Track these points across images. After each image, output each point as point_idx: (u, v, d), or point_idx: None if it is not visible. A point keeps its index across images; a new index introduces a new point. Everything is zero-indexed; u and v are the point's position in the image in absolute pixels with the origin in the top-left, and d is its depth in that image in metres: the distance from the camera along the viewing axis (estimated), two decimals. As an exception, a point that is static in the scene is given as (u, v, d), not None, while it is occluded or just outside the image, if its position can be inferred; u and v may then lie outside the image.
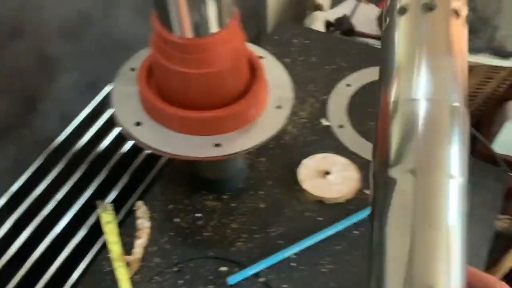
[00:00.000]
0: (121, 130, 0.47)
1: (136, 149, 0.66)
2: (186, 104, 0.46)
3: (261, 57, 0.54)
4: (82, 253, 0.58)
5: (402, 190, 0.25)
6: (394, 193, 0.25)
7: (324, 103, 0.70)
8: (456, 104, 0.26)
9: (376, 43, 1.15)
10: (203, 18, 0.41)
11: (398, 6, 0.28)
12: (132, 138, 0.46)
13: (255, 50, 0.54)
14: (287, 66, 0.75)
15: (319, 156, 0.63)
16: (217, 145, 0.46)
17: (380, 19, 1.11)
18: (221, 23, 0.42)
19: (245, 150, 0.46)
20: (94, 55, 0.67)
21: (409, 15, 0.28)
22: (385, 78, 0.29)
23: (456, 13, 0.27)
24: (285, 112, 0.49)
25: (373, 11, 1.22)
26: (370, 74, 0.73)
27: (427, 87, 0.26)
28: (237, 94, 0.47)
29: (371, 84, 0.72)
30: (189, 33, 0.42)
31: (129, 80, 0.49)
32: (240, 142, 0.46)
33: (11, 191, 0.60)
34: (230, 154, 0.45)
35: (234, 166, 0.59)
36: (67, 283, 0.55)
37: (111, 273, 0.54)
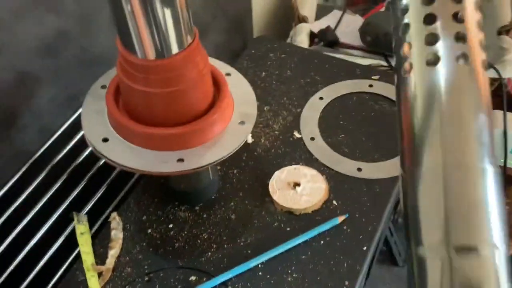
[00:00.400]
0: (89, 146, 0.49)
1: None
2: (151, 121, 0.48)
3: (228, 74, 0.56)
4: (58, 263, 0.60)
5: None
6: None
7: (297, 116, 0.72)
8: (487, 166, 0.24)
9: (359, 54, 1.17)
10: (164, 40, 0.43)
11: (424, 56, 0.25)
12: (98, 153, 0.48)
13: (222, 67, 0.56)
14: (262, 80, 0.78)
15: (290, 168, 0.65)
16: (180, 160, 0.48)
17: (363, 31, 1.13)
18: (181, 43, 0.44)
19: (207, 165, 0.48)
20: (73, 70, 0.70)
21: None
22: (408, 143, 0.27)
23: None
24: (248, 127, 0.51)
25: (358, 22, 1.24)
26: (342, 87, 0.75)
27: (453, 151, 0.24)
28: (201, 110, 0.49)
29: (342, 97, 0.74)
30: (150, 55, 0.44)
31: (99, 97, 0.52)
32: (202, 156, 0.48)
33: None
34: (192, 169, 0.47)
35: (205, 178, 0.61)
36: (43, 291, 0.57)
37: (85, 283, 0.56)
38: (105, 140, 0.49)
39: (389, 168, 0.66)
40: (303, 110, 0.73)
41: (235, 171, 0.66)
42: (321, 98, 0.74)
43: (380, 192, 0.63)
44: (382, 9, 1.30)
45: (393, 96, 0.74)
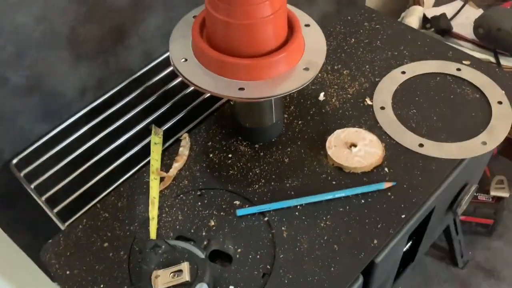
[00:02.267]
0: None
1: (198, 92, 0.76)
2: (225, 50, 0.54)
3: (307, 25, 0.60)
4: (133, 164, 0.70)
5: None
6: None
7: (374, 85, 0.74)
8: None
9: (469, 47, 1.11)
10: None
11: None
12: (176, 70, 0.55)
13: (303, 17, 0.60)
14: (350, 46, 0.80)
15: (351, 130, 0.68)
16: (241, 88, 0.53)
17: (477, 23, 1.08)
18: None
19: (261, 98, 0.53)
20: (182, 5, 0.78)
21: None
22: None
23: None
24: (311, 74, 0.55)
25: (477, 15, 1.17)
26: (428, 65, 0.75)
27: None
28: (271, 49, 0.54)
29: (425, 75, 0.74)
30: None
31: (189, 24, 0.59)
32: (261, 90, 0.53)
33: (92, 105, 0.74)
34: (248, 98, 0.53)
35: (268, 119, 0.66)
36: (116, 183, 0.67)
37: (148, 183, 0.65)
38: (185, 60, 0.56)
39: (453, 150, 0.65)
40: (381, 80, 0.74)
41: (299, 122, 0.70)
42: (403, 72, 0.75)
43: (436, 171, 0.63)
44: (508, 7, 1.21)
45: (479, 84, 0.72)
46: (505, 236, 1.07)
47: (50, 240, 0.61)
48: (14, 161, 0.68)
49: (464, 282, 1.03)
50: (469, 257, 1.05)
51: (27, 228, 0.78)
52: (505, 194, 1.05)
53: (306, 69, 0.56)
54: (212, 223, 0.61)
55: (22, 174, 0.68)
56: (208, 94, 0.77)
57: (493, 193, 1.06)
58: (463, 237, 1.00)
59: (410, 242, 0.78)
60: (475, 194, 1.07)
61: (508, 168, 1.17)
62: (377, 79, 0.74)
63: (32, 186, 0.67)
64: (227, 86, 0.53)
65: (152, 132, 0.69)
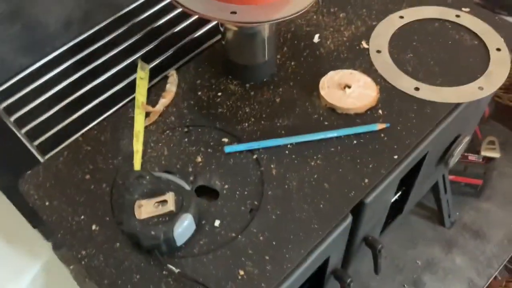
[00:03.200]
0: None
1: (189, 30, 0.73)
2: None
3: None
4: (118, 100, 0.67)
5: None
6: None
7: (370, 29, 0.71)
8: None
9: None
10: None
11: None
12: (165, -8, 0.52)
13: None
14: (345, -13, 0.76)
15: (346, 72, 0.65)
16: (233, 12, 0.50)
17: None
18: None
19: (253, 23, 0.50)
20: None
21: None
22: None
23: None
24: (306, 2, 0.52)
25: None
26: (427, 11, 0.72)
27: None
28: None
29: (424, 21, 0.71)
30: None
31: None
32: (253, 15, 0.51)
33: (77, 39, 0.71)
34: (240, 22, 0.50)
35: (260, 56, 0.63)
36: (99, 118, 0.65)
37: (132, 119, 0.62)
38: (175, -18, 0.53)
39: (449, 94, 0.63)
40: (378, 24, 0.71)
41: (292, 63, 0.68)
42: (401, 17, 0.72)
43: (430, 114, 0.61)
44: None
45: (478, 31, 0.70)
46: (493, 198, 1.07)
47: (29, 171, 0.58)
48: (-7, 92, 0.65)
49: (450, 241, 1.03)
50: (456, 217, 1.05)
51: (6, 168, 0.75)
52: (495, 154, 1.05)
53: (303, -3, 0.53)
54: (199, 159, 0.59)
55: (1, 107, 0.65)
56: (198, 34, 0.74)
57: (483, 153, 1.05)
58: (451, 196, 0.99)
59: (400, 192, 0.77)
60: (465, 154, 1.06)
61: (499, 132, 1.16)
62: (374, 23, 0.72)
63: (12, 120, 0.64)
64: (219, 9, 0.51)
65: (138, 66, 0.66)
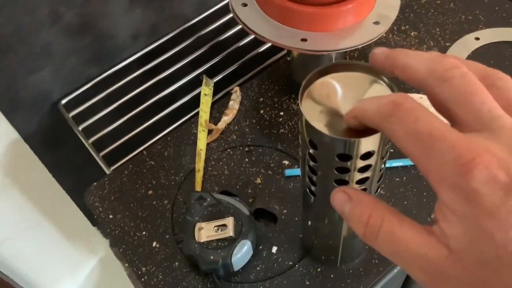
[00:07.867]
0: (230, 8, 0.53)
1: (253, 44, 0.72)
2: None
3: (379, -23, 0.55)
4: (181, 114, 0.68)
5: None
6: None
7: (443, 50, 0.68)
8: None
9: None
10: None
11: None
12: (235, 16, 0.52)
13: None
14: (420, 6, 0.74)
15: (416, 96, 0.63)
16: (304, 39, 0.49)
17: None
18: None
19: (325, 51, 0.49)
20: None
21: None
22: None
23: None
24: (382, 29, 0.50)
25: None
26: (506, 33, 0.68)
27: None
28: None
29: (503, 43, 0.67)
30: None
31: (251, -32, 0.55)
32: (325, 42, 0.49)
33: (144, 51, 0.72)
34: (311, 50, 0.49)
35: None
36: (163, 132, 0.66)
37: (195, 135, 0.63)
38: (244, 5, 0.52)
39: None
40: (452, 46, 0.68)
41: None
42: (477, 39, 0.68)
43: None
44: None
45: None
46: None
47: (95, 183, 0.60)
48: (63, 101, 0.68)
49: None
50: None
51: (72, 171, 0.78)
52: None
53: (376, 22, 0.51)
54: (259, 180, 0.58)
55: (70, 115, 0.67)
56: (262, 48, 0.73)
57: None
58: None
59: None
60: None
61: None
62: (447, 44, 0.68)
63: (80, 128, 0.66)
64: (289, 36, 0.50)
65: (203, 82, 0.67)
